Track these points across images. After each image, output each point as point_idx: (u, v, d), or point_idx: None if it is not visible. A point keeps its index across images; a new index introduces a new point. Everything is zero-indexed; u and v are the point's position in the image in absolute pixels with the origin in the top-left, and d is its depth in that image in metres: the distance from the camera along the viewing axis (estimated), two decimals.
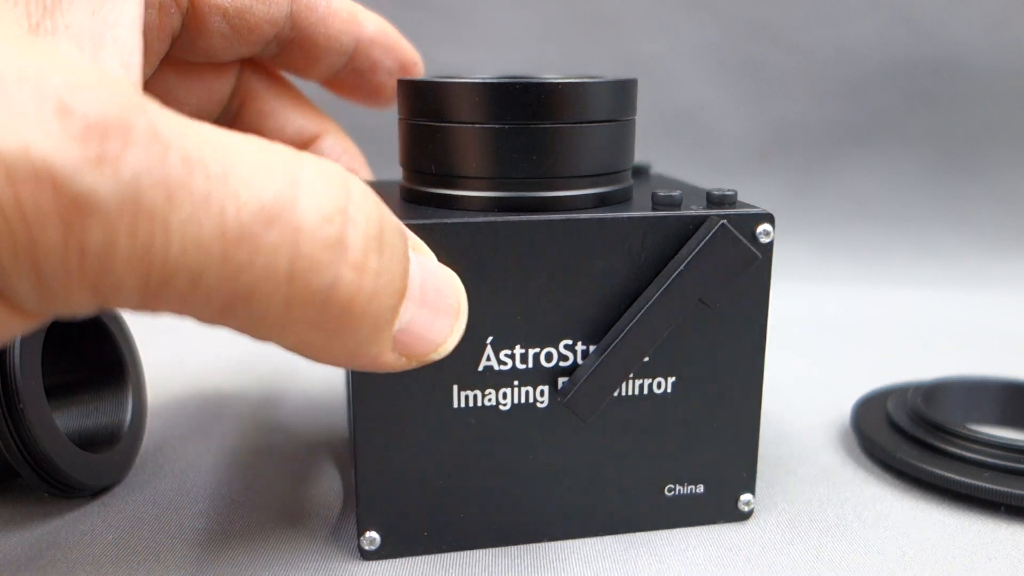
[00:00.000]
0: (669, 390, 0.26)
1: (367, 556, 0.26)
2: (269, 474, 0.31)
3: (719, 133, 0.66)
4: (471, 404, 0.25)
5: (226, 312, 0.16)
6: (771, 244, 0.26)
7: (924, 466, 0.30)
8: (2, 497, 0.29)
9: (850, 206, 0.66)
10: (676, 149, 0.64)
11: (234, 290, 0.15)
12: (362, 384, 0.24)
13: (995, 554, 0.26)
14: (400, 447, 0.25)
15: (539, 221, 0.24)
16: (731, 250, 0.25)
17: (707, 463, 0.27)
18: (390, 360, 0.19)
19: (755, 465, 0.28)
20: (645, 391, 0.26)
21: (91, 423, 0.30)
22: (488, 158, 0.25)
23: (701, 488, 0.28)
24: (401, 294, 0.18)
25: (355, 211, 0.17)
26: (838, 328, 0.52)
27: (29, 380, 0.26)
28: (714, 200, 0.26)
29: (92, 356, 0.31)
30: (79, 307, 0.15)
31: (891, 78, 0.65)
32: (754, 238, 0.25)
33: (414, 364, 0.19)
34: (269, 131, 0.31)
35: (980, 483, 0.28)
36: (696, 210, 0.25)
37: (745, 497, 0.28)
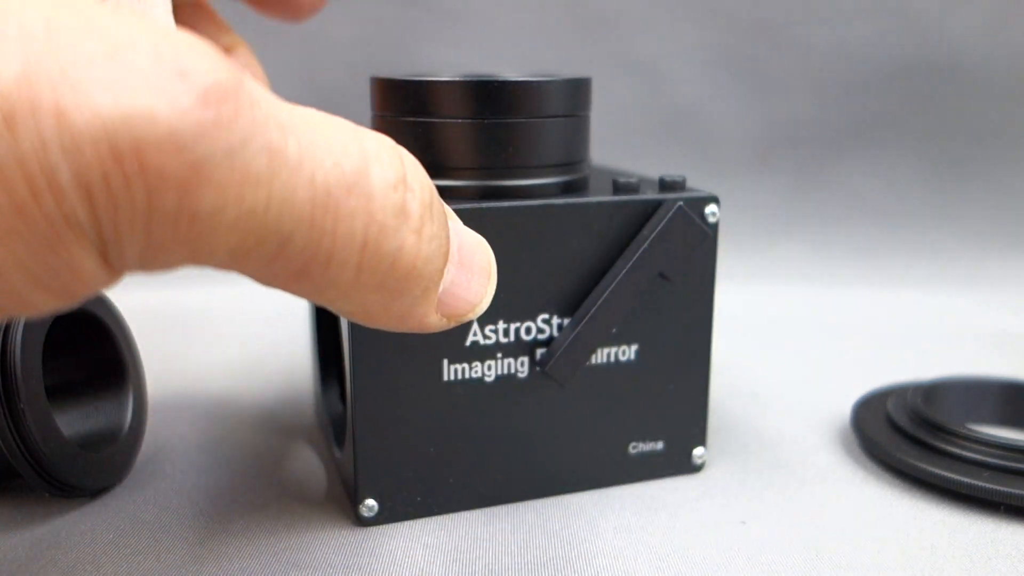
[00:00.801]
0: (633, 357, 0.29)
1: (365, 523, 0.27)
2: (269, 473, 0.31)
3: (719, 133, 0.66)
4: (459, 377, 0.27)
5: (301, 276, 0.16)
6: (717, 223, 0.29)
7: (924, 466, 0.30)
8: (2, 497, 0.29)
9: (850, 206, 0.66)
10: (676, 149, 0.64)
11: (315, 254, 0.16)
12: (359, 360, 0.26)
13: (995, 554, 0.26)
14: (395, 419, 0.27)
15: (518, 207, 0.26)
16: (687, 229, 0.28)
17: (666, 421, 0.30)
18: (433, 321, 0.20)
19: (706, 422, 0.31)
20: (612, 359, 0.29)
21: (91, 423, 0.30)
22: (464, 150, 0.27)
23: (661, 444, 0.31)
24: (446, 256, 0.19)
25: (412, 180, 0.18)
26: (838, 328, 0.52)
27: (29, 380, 0.26)
28: (666, 185, 0.29)
29: (92, 356, 0.31)
30: (172, 266, 0.15)
31: (891, 78, 0.65)
32: (703, 218, 0.29)
33: (452, 324, 0.20)
34: None
35: (980, 483, 0.28)
36: (653, 194, 0.28)
37: (698, 451, 0.31)
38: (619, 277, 0.27)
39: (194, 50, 0.14)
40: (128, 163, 0.13)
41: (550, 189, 0.28)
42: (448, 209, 0.21)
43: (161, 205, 0.13)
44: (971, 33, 0.64)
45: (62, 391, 0.30)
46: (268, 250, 0.15)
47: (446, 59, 0.63)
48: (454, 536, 0.27)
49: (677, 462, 0.31)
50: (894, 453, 0.31)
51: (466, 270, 0.20)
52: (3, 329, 0.26)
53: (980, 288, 0.60)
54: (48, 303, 0.14)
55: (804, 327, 0.52)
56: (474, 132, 0.26)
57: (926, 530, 0.28)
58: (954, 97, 0.65)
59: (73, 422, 0.30)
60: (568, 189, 0.28)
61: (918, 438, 0.31)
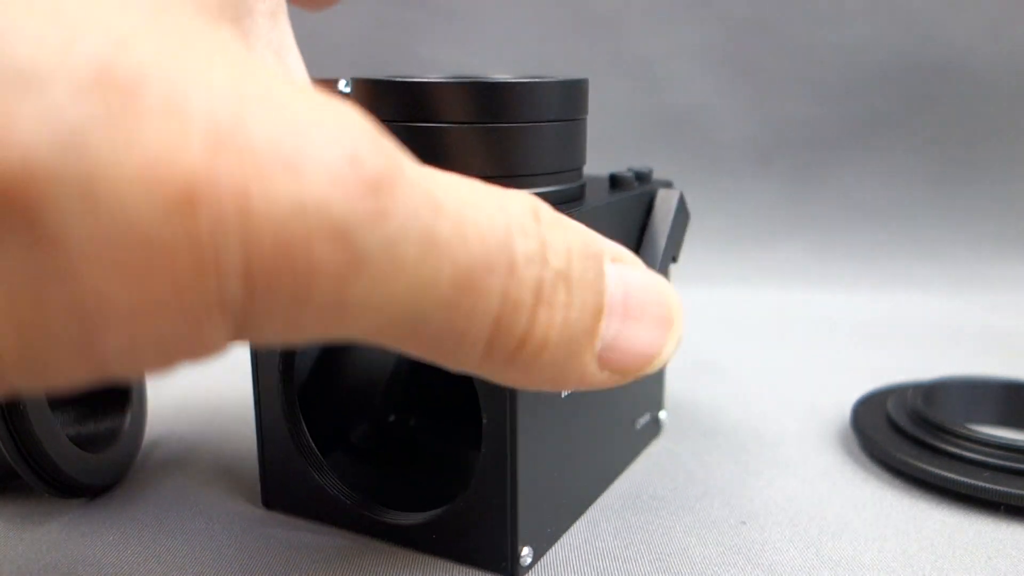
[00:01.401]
0: None
1: (523, 573, 0.25)
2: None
3: (719, 133, 0.66)
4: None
5: (431, 348, 0.16)
6: None
7: (924, 466, 0.30)
8: (2, 497, 0.29)
9: (850, 206, 0.66)
10: (676, 149, 0.64)
11: (448, 332, 0.15)
12: (525, 411, 0.24)
13: (995, 554, 0.26)
14: (541, 455, 0.25)
15: (584, 211, 0.26)
16: (685, 214, 0.31)
17: (647, 394, 0.33)
18: (600, 378, 0.18)
19: (663, 387, 0.35)
20: None
21: (91, 423, 0.30)
22: (455, 156, 0.25)
23: (648, 415, 0.33)
24: (597, 314, 0.18)
25: (552, 242, 0.16)
26: (838, 328, 0.52)
27: None
28: (642, 176, 0.30)
29: None
30: (301, 343, 0.15)
31: (891, 79, 0.65)
32: None
33: (630, 378, 0.19)
34: None
35: (980, 483, 0.28)
36: (650, 185, 0.30)
37: (662, 414, 0.35)
38: (658, 264, 0.29)
39: (361, 130, 0.14)
40: (296, 253, 0.12)
41: (548, 198, 0.26)
42: (620, 252, 0.19)
43: (315, 295, 0.13)
44: (971, 33, 0.64)
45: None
46: (403, 330, 0.15)
47: (447, 60, 0.63)
48: None
49: (652, 428, 0.34)
50: (894, 453, 0.31)
51: (635, 320, 0.18)
52: None
53: (980, 288, 0.60)
54: (156, 368, 0.14)
55: (804, 327, 0.52)
56: (463, 137, 0.24)
57: (926, 530, 0.28)
58: (954, 97, 0.65)
59: (73, 422, 0.30)
60: (584, 190, 0.27)
61: (918, 438, 0.31)
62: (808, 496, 0.30)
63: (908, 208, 0.66)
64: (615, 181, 0.28)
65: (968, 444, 0.30)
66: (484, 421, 0.24)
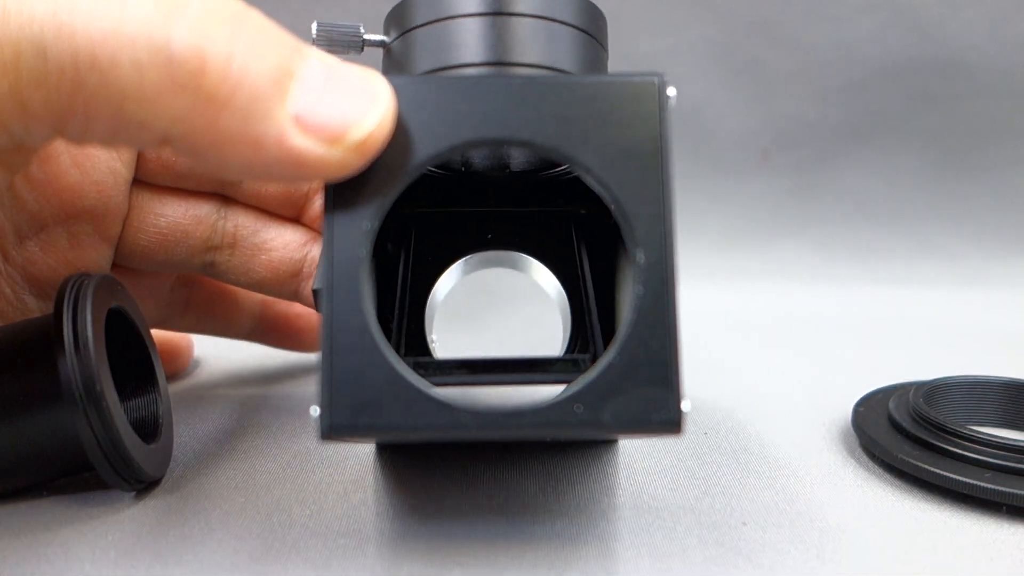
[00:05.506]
0: None
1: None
2: (270, 473, 0.31)
3: (719, 132, 0.66)
4: None
5: (79, 88, 0.19)
6: None
7: (925, 466, 0.30)
8: (1, 499, 0.29)
9: (850, 206, 0.66)
10: (676, 148, 0.64)
11: (75, 53, 0.19)
12: None
13: (996, 554, 0.26)
14: None
15: None
16: None
17: None
18: (302, 143, 0.20)
19: None
20: None
21: (136, 416, 0.31)
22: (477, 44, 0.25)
23: None
24: (282, 70, 0.20)
25: None
26: (838, 328, 0.52)
27: (103, 370, 0.26)
28: None
29: (124, 355, 0.31)
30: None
31: (892, 77, 0.65)
32: None
33: (339, 150, 0.20)
34: (272, 259, 0.34)
35: (981, 483, 0.28)
36: None
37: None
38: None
39: None
40: None
41: None
42: (317, 50, 0.21)
43: None
44: (972, 31, 0.64)
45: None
46: (30, 64, 0.18)
47: None
48: (456, 539, 0.27)
49: None
50: (895, 453, 0.31)
51: (335, 92, 0.20)
52: (70, 325, 0.26)
53: (980, 287, 0.60)
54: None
55: (804, 327, 0.52)
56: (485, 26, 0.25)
57: (927, 530, 0.28)
58: (955, 96, 0.65)
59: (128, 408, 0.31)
60: None
61: (919, 438, 0.31)
62: (809, 496, 0.30)
63: (909, 207, 0.66)
64: None
65: (970, 444, 0.30)
66: (641, 261, 0.22)
